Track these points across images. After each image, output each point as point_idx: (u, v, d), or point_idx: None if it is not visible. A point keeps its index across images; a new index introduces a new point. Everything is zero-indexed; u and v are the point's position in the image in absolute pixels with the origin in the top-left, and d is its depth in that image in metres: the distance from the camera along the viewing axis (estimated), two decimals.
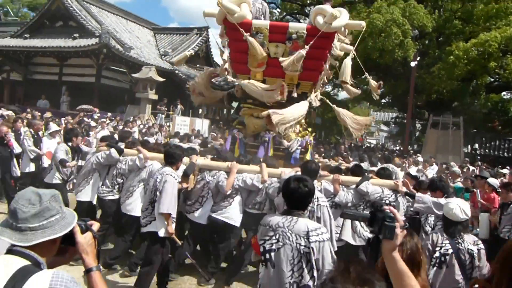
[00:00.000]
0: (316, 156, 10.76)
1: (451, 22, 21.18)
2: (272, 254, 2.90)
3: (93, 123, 11.46)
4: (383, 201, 5.29)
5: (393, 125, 58.78)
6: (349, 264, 1.43)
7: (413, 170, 12.56)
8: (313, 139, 8.60)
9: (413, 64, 17.91)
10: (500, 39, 15.21)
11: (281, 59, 6.44)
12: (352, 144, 37.65)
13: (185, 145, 8.44)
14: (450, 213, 3.67)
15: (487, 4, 18.06)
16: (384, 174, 6.08)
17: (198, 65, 27.71)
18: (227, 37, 7.14)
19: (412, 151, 20.38)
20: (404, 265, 1.74)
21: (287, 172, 5.33)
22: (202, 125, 21.53)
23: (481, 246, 3.66)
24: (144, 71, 20.31)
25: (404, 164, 12.19)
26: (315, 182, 5.01)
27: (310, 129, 8.14)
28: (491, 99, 27.03)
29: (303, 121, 7.60)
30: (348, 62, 7.46)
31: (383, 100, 33.50)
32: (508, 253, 1.80)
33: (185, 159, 5.64)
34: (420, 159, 12.84)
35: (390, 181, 5.65)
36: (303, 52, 6.32)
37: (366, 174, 5.96)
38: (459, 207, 3.65)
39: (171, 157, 4.90)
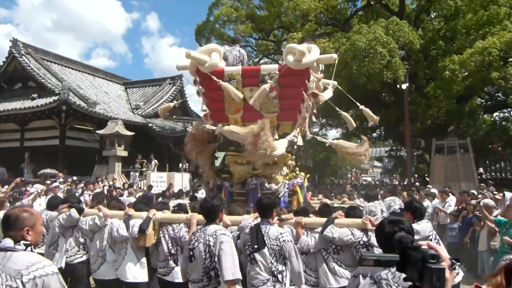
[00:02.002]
0: (320, 196, 10.45)
1: (435, 43, 19.77)
2: None
3: (32, 189, 9.49)
4: (357, 242, 4.83)
5: (386, 160, 57.29)
6: None
7: (427, 204, 10.47)
8: (308, 180, 8.39)
9: (404, 86, 16.13)
10: (499, 44, 13.51)
11: (250, 101, 6.41)
12: (348, 184, 35.82)
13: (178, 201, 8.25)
14: None
15: (476, 13, 16.56)
16: (354, 214, 5.31)
17: (174, 116, 25.90)
18: (203, 88, 7.11)
19: (418, 183, 18.20)
20: None
21: (247, 218, 4.94)
22: (182, 179, 19.40)
23: None
24: (110, 126, 18.36)
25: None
26: (277, 227, 4.41)
27: (298, 171, 7.79)
28: (487, 120, 25.46)
29: (290, 162, 7.47)
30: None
31: (374, 134, 31.84)
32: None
33: (143, 214, 5.45)
34: (434, 190, 10.70)
35: (358, 219, 5.06)
36: (266, 86, 6.36)
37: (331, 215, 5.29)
38: None
39: (210, 212, 4.12)
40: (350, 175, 56.54)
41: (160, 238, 5.25)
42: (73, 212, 5.73)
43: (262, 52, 30.02)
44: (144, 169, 19.80)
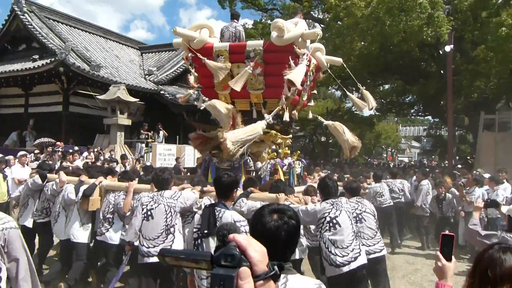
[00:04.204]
0: (316, 175, 10.19)
1: (486, 1, 16.54)
2: None
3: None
4: None
5: (425, 140, 53.96)
6: None
7: (477, 193, 8.12)
8: (301, 160, 8.35)
9: (448, 48, 13.38)
10: None
11: (231, 82, 6.36)
12: (382, 164, 33.23)
13: None
14: None
15: None
16: (276, 187, 5.14)
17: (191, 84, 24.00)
18: (194, 63, 7.13)
19: (459, 166, 15.52)
20: None
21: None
22: (194, 152, 17.57)
23: None
24: (111, 91, 16.55)
25: (460, 185, 7.82)
26: (233, 212, 3.80)
27: (288, 151, 7.69)
28: None
29: (280, 140, 7.34)
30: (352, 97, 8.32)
31: (412, 110, 28.92)
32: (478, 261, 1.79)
33: (90, 180, 6.11)
34: (487, 175, 8.32)
35: (272, 194, 4.97)
36: (247, 69, 6.35)
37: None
38: None
39: (162, 184, 4.80)
40: (385, 155, 53.85)
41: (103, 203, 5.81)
42: (36, 178, 6.54)
43: (290, 16, 27.43)
44: (150, 140, 18.00)
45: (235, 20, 7.71)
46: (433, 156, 46.08)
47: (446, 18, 12.93)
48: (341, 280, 4.18)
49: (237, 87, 6.26)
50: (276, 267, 0.94)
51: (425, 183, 9.52)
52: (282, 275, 1.77)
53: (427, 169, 13.48)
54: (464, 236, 6.36)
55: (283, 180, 6.72)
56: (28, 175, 8.46)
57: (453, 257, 1.89)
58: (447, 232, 1.94)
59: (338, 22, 16.42)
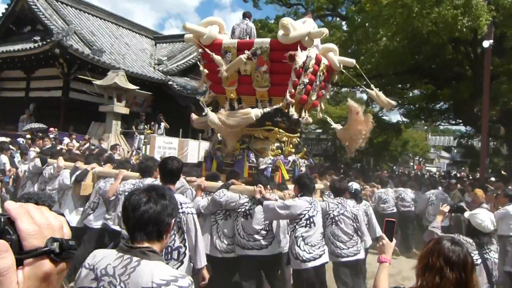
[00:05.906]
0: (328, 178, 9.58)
1: None
2: None
3: None
4: (240, 209, 4.96)
5: (455, 151, 51.13)
6: None
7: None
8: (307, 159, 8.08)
9: (486, 43, 11.37)
10: None
11: (222, 68, 6.53)
12: (411, 173, 31.08)
13: None
14: (481, 225, 3.56)
15: None
16: (257, 179, 5.16)
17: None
18: (204, 59, 7.19)
19: (493, 178, 13.52)
20: None
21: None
22: (199, 148, 16.28)
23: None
24: (109, 76, 15.30)
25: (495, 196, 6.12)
26: (179, 196, 3.96)
27: (293, 149, 7.64)
28: None
29: (285, 138, 7.41)
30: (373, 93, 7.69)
31: (442, 118, 26.73)
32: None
33: (84, 166, 6.24)
34: None
35: (251, 187, 5.07)
36: (242, 56, 6.47)
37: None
38: (490, 219, 3.55)
39: (145, 171, 4.83)
40: (412, 163, 51.38)
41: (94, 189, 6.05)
42: (37, 161, 6.84)
43: (315, 12, 25.73)
44: (148, 131, 16.67)
45: (246, 19, 7.80)
46: (463, 168, 43.56)
47: (486, 7, 10.98)
48: (304, 274, 4.50)
49: (228, 73, 6.51)
50: (55, 244, 0.83)
51: (429, 193, 9.25)
52: (135, 259, 1.70)
53: (455, 181, 11.70)
54: (424, 237, 5.30)
55: (287, 177, 6.86)
56: None
57: (394, 238, 2.32)
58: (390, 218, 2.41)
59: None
